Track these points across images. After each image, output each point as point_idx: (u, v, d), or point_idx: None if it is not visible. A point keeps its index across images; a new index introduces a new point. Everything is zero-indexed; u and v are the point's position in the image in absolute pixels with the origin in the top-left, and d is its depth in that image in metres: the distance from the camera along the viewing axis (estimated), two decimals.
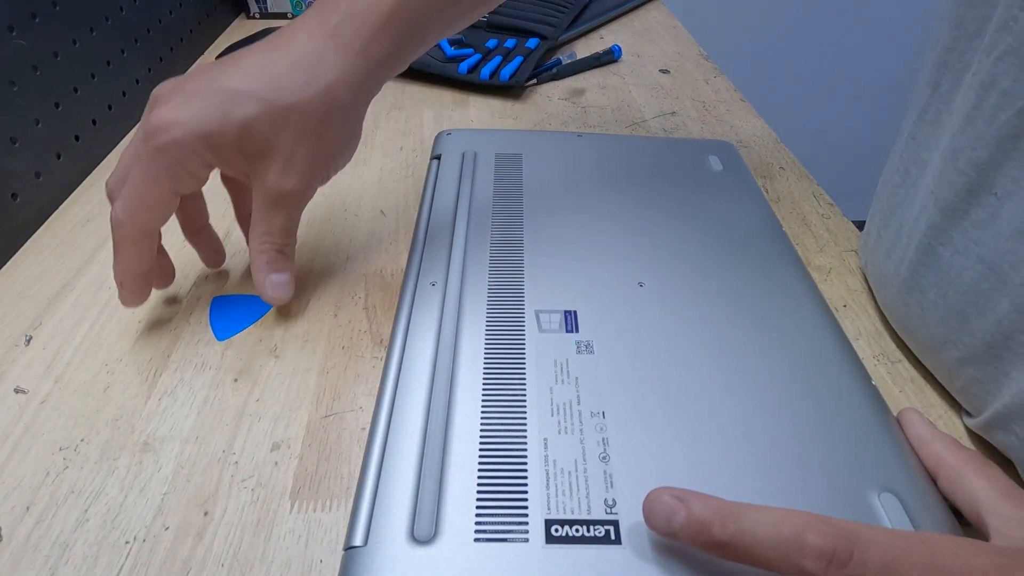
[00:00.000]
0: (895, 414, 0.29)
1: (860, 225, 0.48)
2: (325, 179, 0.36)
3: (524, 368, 0.29)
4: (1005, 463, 0.30)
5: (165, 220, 0.33)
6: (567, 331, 0.31)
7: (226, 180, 0.39)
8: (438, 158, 0.44)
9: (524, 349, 0.30)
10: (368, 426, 0.29)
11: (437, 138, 0.47)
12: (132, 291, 0.34)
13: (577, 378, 0.28)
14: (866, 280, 0.41)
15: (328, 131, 0.33)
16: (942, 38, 0.33)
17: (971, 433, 0.32)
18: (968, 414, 0.32)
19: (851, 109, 1.59)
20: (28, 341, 0.36)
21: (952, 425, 0.32)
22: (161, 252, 0.36)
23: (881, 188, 0.38)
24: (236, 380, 0.34)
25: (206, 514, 0.28)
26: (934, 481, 0.25)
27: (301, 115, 0.31)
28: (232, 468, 0.29)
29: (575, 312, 0.32)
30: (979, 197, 0.28)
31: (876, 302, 0.39)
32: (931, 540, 0.20)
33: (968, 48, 0.31)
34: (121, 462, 0.30)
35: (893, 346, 0.36)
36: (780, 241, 0.37)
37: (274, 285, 0.35)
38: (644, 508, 0.22)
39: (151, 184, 0.31)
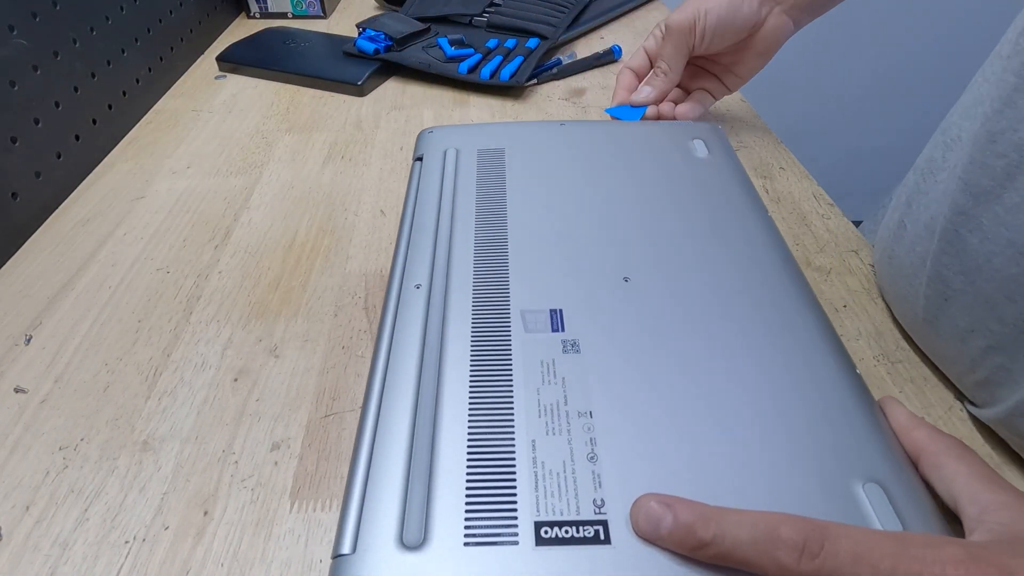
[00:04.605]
0: (877, 401, 0.29)
1: (859, 225, 0.48)
2: (693, 33, 0.48)
3: (511, 370, 0.29)
4: (1013, 459, 0.30)
5: (640, 65, 0.53)
6: (553, 330, 0.30)
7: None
8: (420, 159, 0.44)
9: (510, 350, 0.29)
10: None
11: (419, 138, 0.46)
12: (616, 99, 0.53)
13: (564, 378, 0.28)
14: (868, 280, 0.41)
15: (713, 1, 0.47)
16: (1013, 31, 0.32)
17: (977, 430, 0.32)
18: (976, 407, 0.32)
19: (852, 110, 1.59)
20: (28, 341, 0.36)
21: (951, 426, 0.32)
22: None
23: (916, 181, 0.38)
24: (236, 380, 0.34)
25: (206, 514, 0.28)
26: (916, 467, 0.26)
27: None
28: (232, 468, 0.29)
29: (560, 311, 0.31)
30: (1015, 180, 0.28)
31: (877, 302, 0.39)
32: (903, 535, 0.21)
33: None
34: (121, 462, 0.30)
35: (893, 347, 0.36)
36: (767, 229, 0.37)
37: (639, 92, 0.52)
38: (631, 515, 0.23)
39: (641, 44, 0.53)
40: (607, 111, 0.53)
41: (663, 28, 0.50)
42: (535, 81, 0.64)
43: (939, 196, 0.33)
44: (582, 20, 0.75)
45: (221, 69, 0.67)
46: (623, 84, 0.53)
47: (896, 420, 0.27)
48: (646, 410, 0.27)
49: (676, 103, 0.53)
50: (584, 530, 0.23)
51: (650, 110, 0.52)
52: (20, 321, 0.37)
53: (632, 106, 0.52)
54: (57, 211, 0.46)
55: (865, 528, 0.21)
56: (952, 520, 0.24)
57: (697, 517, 0.21)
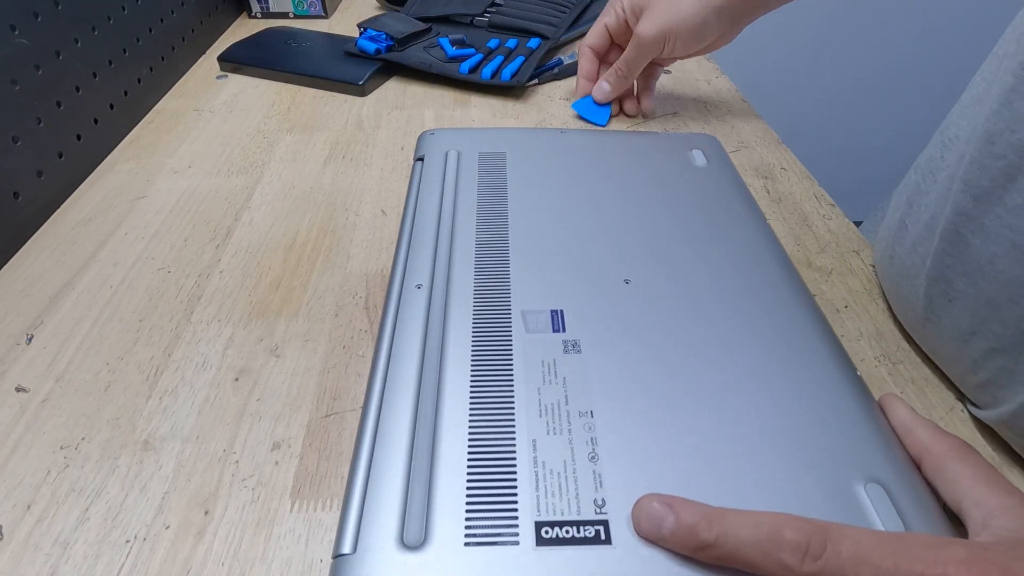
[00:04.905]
0: (878, 399, 0.29)
1: (859, 225, 0.48)
2: (661, 45, 0.51)
3: (512, 370, 0.29)
4: (1015, 460, 0.30)
5: (599, 44, 0.57)
6: (554, 331, 0.30)
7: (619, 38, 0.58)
8: (421, 159, 0.44)
9: (511, 350, 0.29)
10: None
11: (420, 139, 0.47)
12: (581, 91, 0.58)
13: (565, 378, 0.28)
14: (870, 280, 0.41)
15: (680, 15, 0.50)
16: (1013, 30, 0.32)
17: (978, 431, 0.32)
18: (978, 407, 0.32)
19: (852, 110, 1.59)
20: (29, 340, 0.36)
21: (952, 427, 0.32)
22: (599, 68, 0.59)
23: (916, 180, 0.37)
24: (237, 379, 0.34)
25: (206, 513, 0.28)
26: (918, 468, 0.26)
27: None
28: (233, 467, 0.29)
29: (561, 311, 0.32)
30: (1016, 181, 0.28)
31: (879, 303, 0.39)
32: (905, 535, 0.21)
33: (1012, 36, 0.30)
34: (122, 461, 0.30)
35: (894, 348, 0.36)
36: (764, 234, 0.37)
37: (599, 88, 0.56)
38: (633, 515, 0.23)
39: (598, 20, 0.57)
40: (573, 107, 0.58)
41: (636, 36, 0.52)
42: (536, 81, 0.64)
43: (939, 196, 0.33)
44: (583, 20, 0.75)
45: (222, 69, 0.67)
46: (584, 72, 0.57)
47: (898, 419, 0.27)
48: (647, 410, 0.27)
49: (627, 98, 0.58)
50: (585, 530, 0.23)
51: (613, 108, 0.57)
52: (21, 320, 0.37)
53: (595, 103, 0.57)
54: (59, 210, 0.46)
55: (867, 529, 0.21)
56: (955, 520, 0.24)
57: (700, 518, 0.21)
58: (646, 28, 0.51)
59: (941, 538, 0.20)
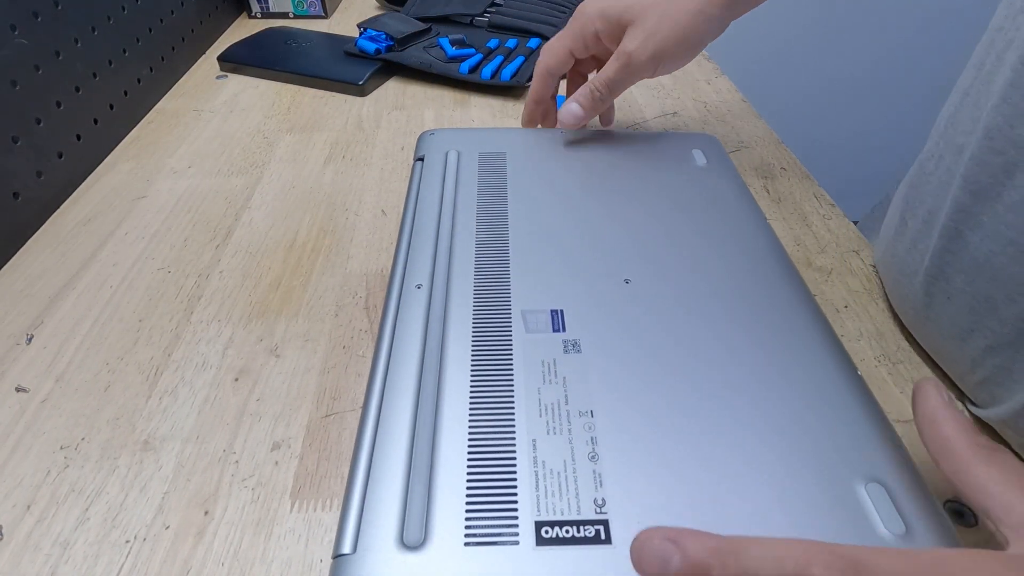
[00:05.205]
0: (913, 385, 0.27)
1: (857, 224, 0.48)
2: (654, 66, 0.44)
3: (511, 369, 0.29)
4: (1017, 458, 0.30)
5: (559, 68, 0.47)
6: (554, 331, 0.31)
7: (591, 60, 0.50)
8: (421, 159, 0.44)
9: (511, 350, 0.29)
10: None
11: (420, 139, 0.47)
12: (527, 114, 0.49)
13: (565, 378, 0.28)
14: (870, 280, 0.41)
15: (678, 27, 0.43)
16: (996, 18, 0.32)
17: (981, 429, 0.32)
18: (977, 406, 0.32)
19: (852, 110, 1.59)
20: (29, 340, 0.36)
21: None
22: (551, 105, 0.50)
23: (911, 176, 0.37)
24: (237, 379, 0.34)
25: (206, 513, 0.28)
26: (936, 464, 0.23)
27: (668, 5, 0.43)
28: (232, 467, 0.29)
29: (562, 311, 0.32)
30: (1014, 177, 0.28)
31: (879, 303, 0.39)
32: (941, 557, 0.19)
33: (1012, 25, 0.30)
34: (122, 461, 0.30)
35: (894, 348, 0.36)
36: (764, 234, 0.37)
37: (568, 110, 0.46)
38: (633, 553, 0.19)
39: (559, 39, 0.46)
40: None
41: (625, 56, 0.43)
42: None
43: (937, 192, 0.33)
44: None
45: (222, 69, 0.67)
46: (538, 95, 0.48)
47: (926, 408, 0.24)
48: (647, 410, 0.27)
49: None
50: (585, 530, 0.23)
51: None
52: (22, 320, 0.37)
53: (563, 126, 0.47)
54: (58, 210, 0.46)
55: (901, 553, 0.19)
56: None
57: (710, 553, 0.19)
58: (638, 49, 0.42)
59: (979, 554, 0.19)
